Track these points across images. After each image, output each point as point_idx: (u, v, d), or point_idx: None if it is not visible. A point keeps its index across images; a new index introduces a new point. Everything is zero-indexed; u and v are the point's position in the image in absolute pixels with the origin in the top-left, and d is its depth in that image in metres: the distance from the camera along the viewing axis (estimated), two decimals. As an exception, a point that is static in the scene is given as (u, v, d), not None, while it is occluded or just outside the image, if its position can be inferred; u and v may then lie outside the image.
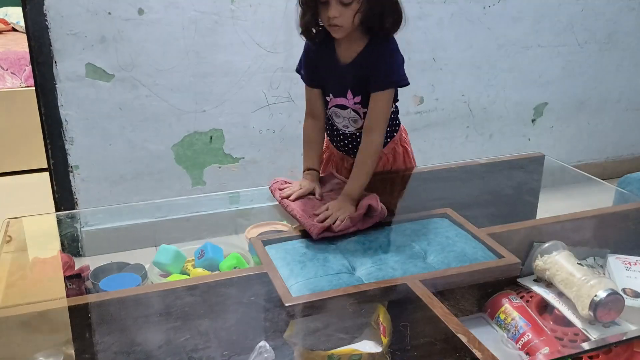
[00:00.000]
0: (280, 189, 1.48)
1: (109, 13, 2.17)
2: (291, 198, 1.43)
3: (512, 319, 1.12)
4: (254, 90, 2.45)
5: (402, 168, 1.64)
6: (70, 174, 2.32)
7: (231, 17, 2.32)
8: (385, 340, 1.04)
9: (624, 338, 1.07)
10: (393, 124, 1.59)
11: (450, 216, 1.38)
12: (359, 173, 1.42)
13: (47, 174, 2.34)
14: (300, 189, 1.45)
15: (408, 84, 1.44)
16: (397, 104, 1.56)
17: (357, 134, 1.54)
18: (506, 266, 1.18)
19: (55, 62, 2.16)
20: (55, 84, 2.18)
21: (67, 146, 2.28)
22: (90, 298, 1.08)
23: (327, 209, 1.34)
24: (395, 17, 1.37)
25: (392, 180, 1.68)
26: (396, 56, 1.43)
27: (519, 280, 1.24)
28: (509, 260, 1.19)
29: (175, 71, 2.32)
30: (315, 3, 1.35)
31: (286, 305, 1.03)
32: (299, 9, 1.41)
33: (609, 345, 1.06)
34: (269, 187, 1.54)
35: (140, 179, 2.42)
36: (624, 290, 1.18)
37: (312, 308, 1.04)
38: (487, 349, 0.93)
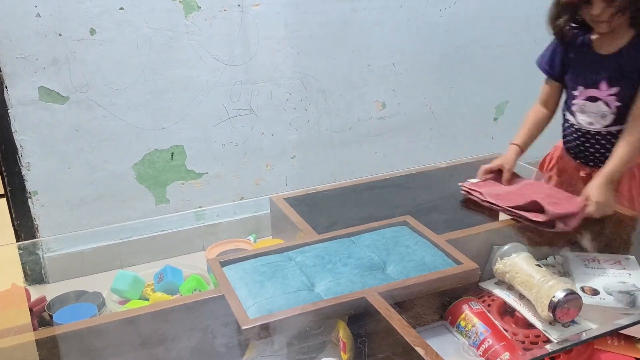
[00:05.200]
0: (477, 189, 1.54)
1: (60, 34, 2.13)
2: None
3: (473, 326, 1.12)
4: (213, 104, 2.43)
5: None
6: (29, 200, 2.27)
7: (186, 32, 2.29)
8: (345, 356, 1.03)
9: (584, 337, 1.08)
10: None
11: (410, 224, 1.38)
12: (625, 152, 1.44)
13: (4, 200, 2.29)
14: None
15: None
16: None
17: (603, 133, 1.53)
18: (464, 272, 1.17)
19: (6, 87, 2.11)
20: (8, 109, 2.13)
21: (24, 172, 2.23)
22: (41, 333, 1.04)
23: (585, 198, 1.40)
24: None
25: (352, 190, 1.67)
26: None
27: (480, 284, 1.24)
28: (468, 266, 1.19)
29: (132, 89, 2.28)
30: (575, 3, 1.40)
31: (243, 328, 1.01)
32: (552, 11, 1.48)
33: (568, 347, 1.06)
34: (463, 190, 1.58)
35: (102, 201, 2.37)
36: (582, 288, 1.19)
37: (270, 329, 1.02)
38: (445, 360, 0.92)
